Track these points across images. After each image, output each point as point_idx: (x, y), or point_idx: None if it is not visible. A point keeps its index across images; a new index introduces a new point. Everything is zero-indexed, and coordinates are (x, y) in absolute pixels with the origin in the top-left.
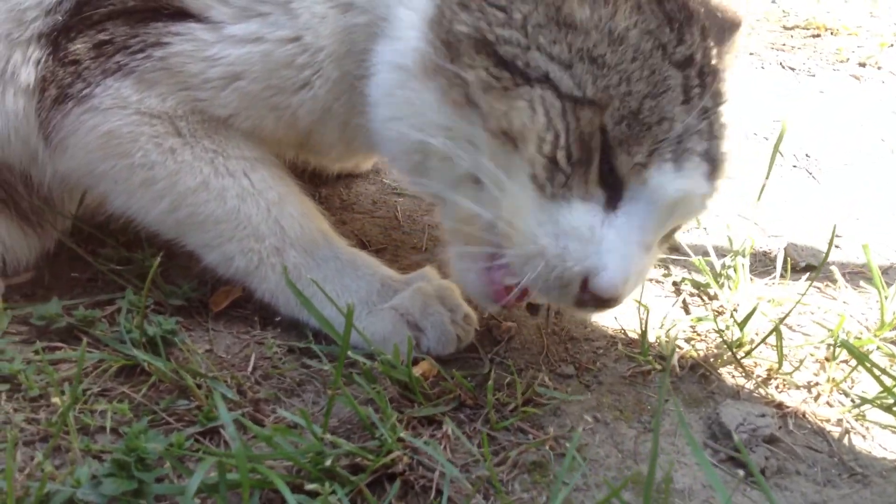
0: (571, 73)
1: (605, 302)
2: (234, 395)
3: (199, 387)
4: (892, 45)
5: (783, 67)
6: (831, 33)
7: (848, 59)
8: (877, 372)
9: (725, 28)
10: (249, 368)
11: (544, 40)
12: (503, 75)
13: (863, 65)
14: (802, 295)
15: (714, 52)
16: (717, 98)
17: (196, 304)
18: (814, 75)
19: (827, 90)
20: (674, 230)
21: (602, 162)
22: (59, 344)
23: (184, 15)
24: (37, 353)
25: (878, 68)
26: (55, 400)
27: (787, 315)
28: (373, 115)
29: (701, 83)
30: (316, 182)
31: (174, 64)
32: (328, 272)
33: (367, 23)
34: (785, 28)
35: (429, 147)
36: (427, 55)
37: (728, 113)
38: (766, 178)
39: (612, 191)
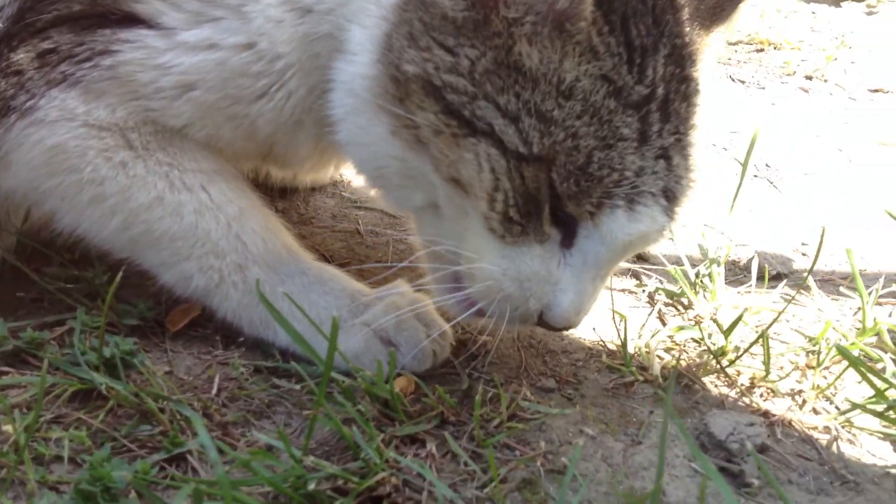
0: (517, 128)
1: (557, 330)
2: (200, 418)
3: (161, 411)
4: (836, 59)
5: (733, 80)
6: (774, 48)
7: (795, 73)
8: (869, 377)
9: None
10: (214, 390)
11: (492, 88)
12: (451, 122)
13: (809, 78)
14: (789, 301)
15: (690, 57)
16: (684, 123)
17: (151, 324)
18: (763, 88)
19: (778, 102)
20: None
21: (553, 206)
22: (6, 368)
23: (133, 21)
24: None
25: (825, 81)
26: (7, 428)
27: (773, 322)
28: (336, 133)
29: (663, 116)
30: (273, 196)
31: (123, 73)
32: (294, 288)
33: (329, 33)
34: (729, 43)
35: (386, 175)
36: (376, 89)
37: (696, 131)
38: (739, 187)
39: (567, 229)
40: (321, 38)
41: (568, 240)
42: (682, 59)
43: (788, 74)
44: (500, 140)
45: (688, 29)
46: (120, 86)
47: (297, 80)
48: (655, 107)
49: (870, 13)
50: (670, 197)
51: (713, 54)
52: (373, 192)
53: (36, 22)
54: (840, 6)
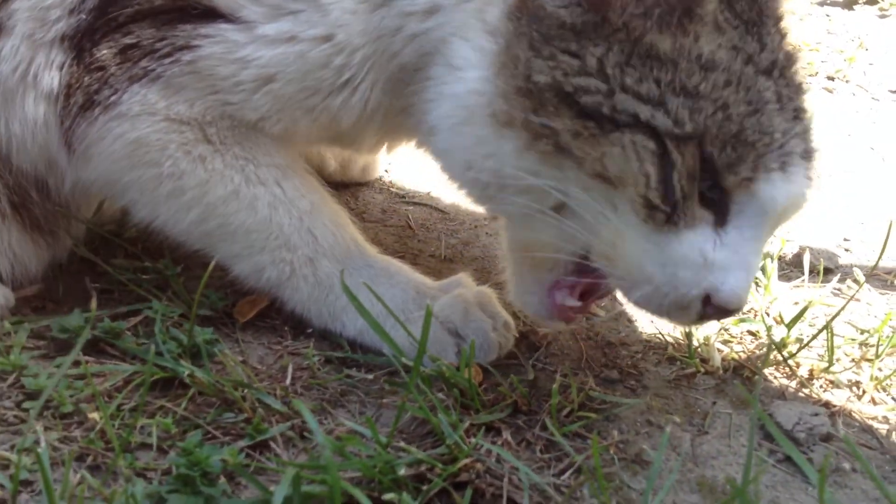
0: (666, 110)
1: (729, 312)
2: (281, 406)
3: (242, 399)
4: (855, 61)
5: None
6: None
7: (817, 73)
8: None
9: None
10: (288, 380)
11: (630, 80)
12: (588, 124)
13: (832, 78)
14: (851, 297)
15: (784, 30)
16: (801, 88)
17: (221, 315)
18: None
19: None
20: None
21: (703, 186)
22: (85, 357)
23: (213, 15)
24: (59, 366)
25: (847, 82)
26: (93, 415)
27: (836, 315)
28: (435, 142)
29: (787, 82)
30: None
31: (203, 67)
32: (362, 280)
33: (414, 35)
34: None
35: (506, 186)
36: (497, 104)
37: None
38: None
39: (719, 208)
40: (402, 37)
41: (721, 219)
42: (781, 30)
43: (811, 75)
44: (650, 126)
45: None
46: (200, 80)
47: (376, 72)
48: (778, 73)
49: (882, 16)
50: (808, 157)
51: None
52: (471, 199)
53: (118, 16)
54: (853, 9)
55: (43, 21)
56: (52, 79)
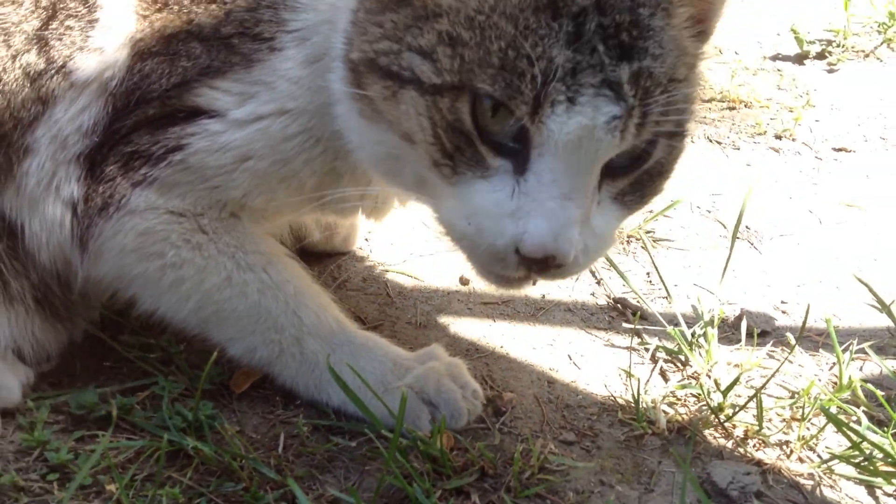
0: (432, 61)
1: (545, 262)
2: (275, 474)
3: (241, 468)
4: (803, 118)
5: (710, 141)
6: (745, 106)
7: (765, 132)
8: (848, 432)
9: None
10: (280, 448)
11: (412, 38)
12: (388, 83)
13: (779, 137)
14: (781, 364)
15: None
16: (620, 28)
17: (218, 386)
18: (738, 148)
19: (752, 163)
20: (640, 175)
21: (484, 136)
22: (98, 431)
23: (197, 113)
24: (79, 440)
25: (793, 140)
26: (110, 487)
27: (766, 383)
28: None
29: (600, 10)
30: (309, 261)
31: (193, 163)
32: (344, 356)
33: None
34: (703, 101)
35: (380, 160)
36: (346, 85)
37: (644, 17)
38: (728, 259)
39: (519, 155)
40: (325, 69)
41: (520, 167)
42: None
43: (760, 134)
44: (419, 80)
45: None
46: (190, 174)
47: (324, 123)
48: (566, 13)
49: (831, 71)
50: (612, 87)
51: None
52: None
53: (120, 129)
54: (804, 64)
55: (63, 145)
56: (71, 189)
